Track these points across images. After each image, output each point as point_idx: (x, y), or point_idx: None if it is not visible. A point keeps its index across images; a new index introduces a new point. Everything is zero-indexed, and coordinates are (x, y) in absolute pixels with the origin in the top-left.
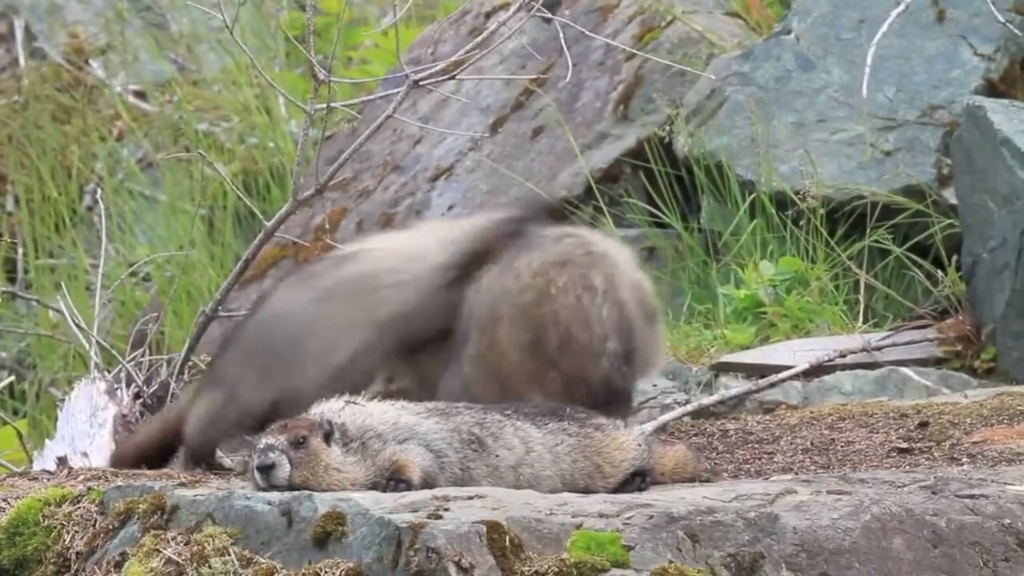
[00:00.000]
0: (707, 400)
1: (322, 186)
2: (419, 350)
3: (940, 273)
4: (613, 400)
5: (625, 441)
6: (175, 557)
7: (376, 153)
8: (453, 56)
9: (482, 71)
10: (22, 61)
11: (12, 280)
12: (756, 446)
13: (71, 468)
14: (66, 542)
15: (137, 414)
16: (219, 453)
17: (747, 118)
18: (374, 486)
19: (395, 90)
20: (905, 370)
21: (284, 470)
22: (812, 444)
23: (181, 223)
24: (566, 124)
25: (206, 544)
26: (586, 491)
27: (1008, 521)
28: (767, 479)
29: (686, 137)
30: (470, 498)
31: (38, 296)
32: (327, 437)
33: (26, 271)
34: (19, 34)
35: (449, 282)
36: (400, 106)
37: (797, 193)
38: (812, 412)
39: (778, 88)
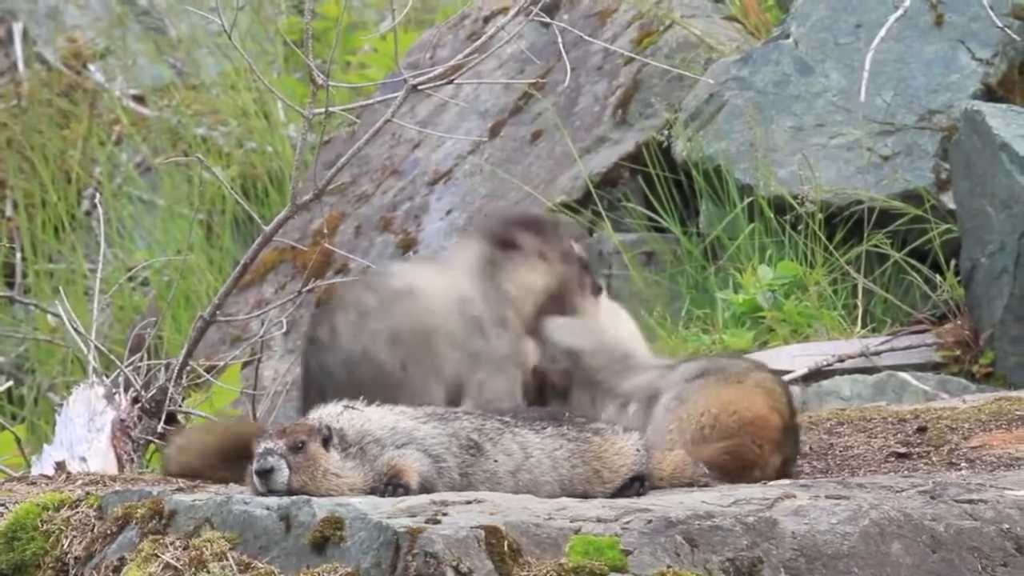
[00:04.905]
0: None
1: (320, 190)
2: None
3: (938, 278)
4: None
5: (624, 446)
6: (173, 562)
7: (374, 157)
8: (452, 60)
9: (481, 75)
10: (21, 66)
11: (11, 285)
12: None
13: (69, 473)
14: (64, 547)
15: (135, 419)
16: None
17: (745, 122)
18: (372, 491)
19: (393, 94)
20: (903, 375)
21: (283, 475)
22: (811, 449)
23: (179, 227)
24: (565, 128)
25: (204, 549)
26: (585, 496)
27: (1007, 526)
28: (765, 484)
29: (685, 141)
30: (468, 503)
31: (37, 300)
32: (326, 442)
33: (25, 275)
34: (18, 39)
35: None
36: (399, 110)
37: (795, 197)
38: (810, 417)
39: (776, 92)
